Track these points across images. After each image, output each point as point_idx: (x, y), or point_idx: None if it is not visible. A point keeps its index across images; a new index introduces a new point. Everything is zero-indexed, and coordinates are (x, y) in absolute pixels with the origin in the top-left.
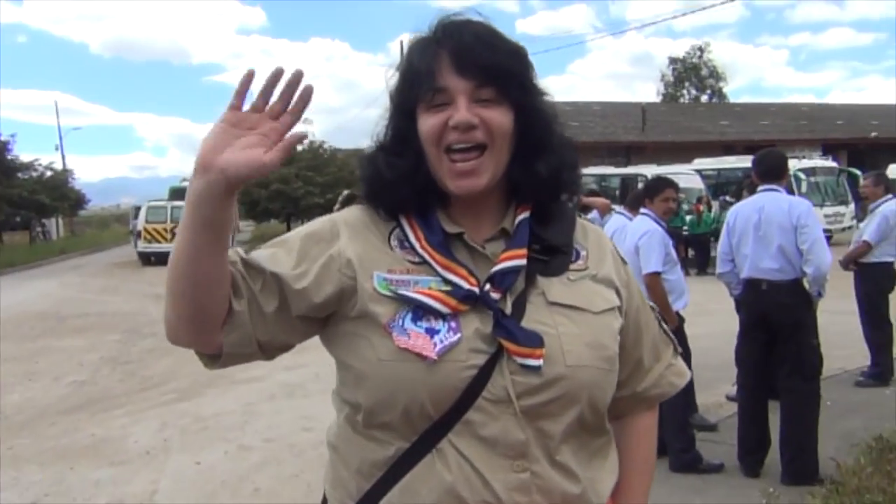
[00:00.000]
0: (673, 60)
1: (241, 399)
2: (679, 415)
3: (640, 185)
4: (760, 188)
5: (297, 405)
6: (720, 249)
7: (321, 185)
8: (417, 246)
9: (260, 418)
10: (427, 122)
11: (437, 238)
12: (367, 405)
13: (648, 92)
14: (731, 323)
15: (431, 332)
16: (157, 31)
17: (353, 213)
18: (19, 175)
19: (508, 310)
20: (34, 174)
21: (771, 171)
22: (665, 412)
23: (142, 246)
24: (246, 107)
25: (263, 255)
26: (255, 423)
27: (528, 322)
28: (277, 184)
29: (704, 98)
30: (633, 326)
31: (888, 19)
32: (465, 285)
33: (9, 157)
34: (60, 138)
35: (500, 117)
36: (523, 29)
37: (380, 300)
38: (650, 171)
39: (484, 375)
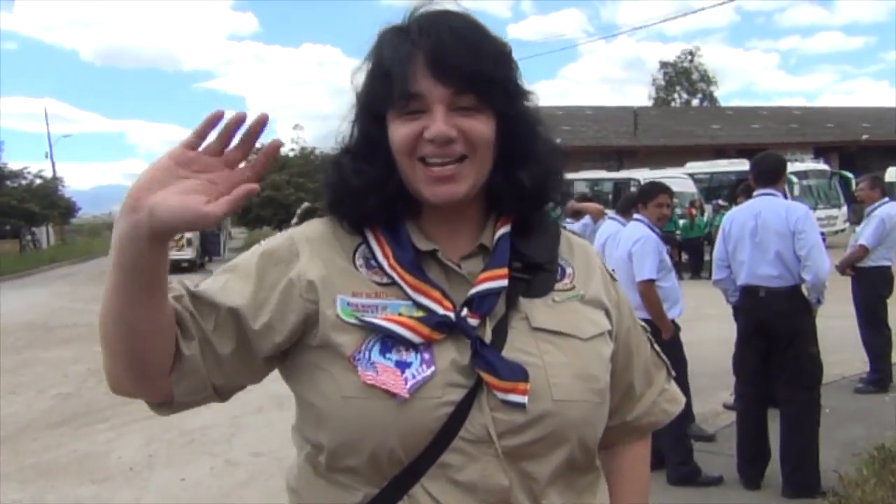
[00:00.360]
0: (664, 65)
1: (228, 411)
2: (676, 425)
3: (634, 190)
4: (756, 192)
5: (287, 417)
6: (716, 255)
7: (312, 192)
8: (385, 265)
9: (247, 431)
10: (399, 132)
11: (407, 256)
12: (329, 447)
13: (640, 96)
14: (727, 328)
15: (402, 366)
16: (149, 38)
17: (314, 227)
18: (8, 183)
19: (488, 337)
20: (23, 182)
21: (767, 174)
22: None
23: None
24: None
25: (216, 287)
26: (242, 437)
27: (510, 351)
28: (269, 190)
29: (696, 102)
30: (624, 350)
31: (877, 23)
32: (440, 310)
33: None
34: (50, 146)
35: (481, 126)
36: (515, 34)
37: (344, 328)
38: (643, 175)
39: (461, 413)
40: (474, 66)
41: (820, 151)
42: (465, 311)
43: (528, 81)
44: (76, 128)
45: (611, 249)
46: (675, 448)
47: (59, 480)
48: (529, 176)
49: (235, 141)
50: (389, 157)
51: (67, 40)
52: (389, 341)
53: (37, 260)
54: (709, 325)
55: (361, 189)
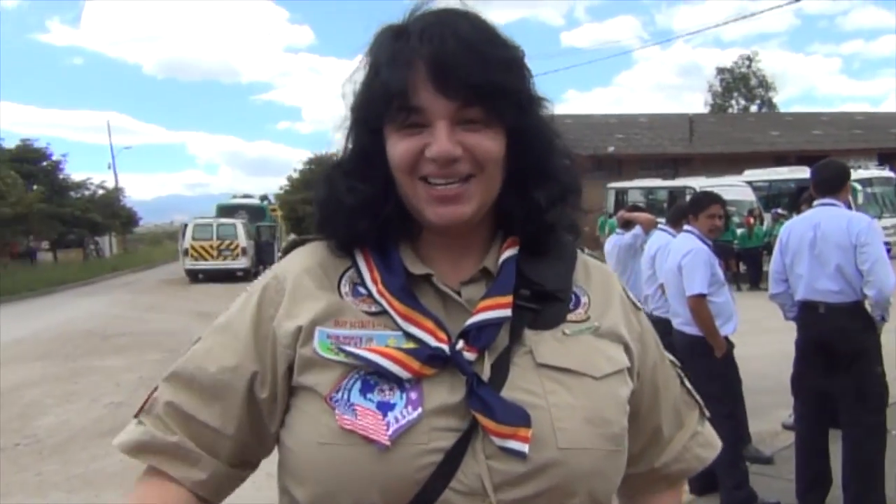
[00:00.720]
0: (721, 70)
1: None
2: (730, 446)
3: (689, 198)
4: (816, 202)
5: None
6: (772, 268)
7: None
8: (374, 290)
9: None
10: (398, 148)
11: (396, 281)
12: (305, 500)
13: (696, 103)
14: (787, 342)
15: (384, 408)
16: (208, 51)
17: (297, 258)
18: (72, 194)
19: (486, 374)
20: (86, 193)
21: (828, 182)
22: None
23: (188, 263)
24: None
25: (211, 370)
26: None
27: (510, 391)
28: None
29: (754, 108)
30: (650, 388)
31: None
32: (433, 342)
33: (60, 177)
34: (113, 157)
35: (489, 143)
36: (569, 41)
37: (323, 364)
38: (699, 183)
39: (453, 460)
40: (482, 76)
41: (884, 158)
42: (460, 344)
43: (582, 90)
44: (138, 139)
45: (660, 262)
46: (729, 471)
47: (105, 490)
48: (546, 195)
49: None
50: (386, 173)
51: (131, 54)
52: (371, 379)
53: (99, 268)
54: (768, 339)
55: (354, 208)
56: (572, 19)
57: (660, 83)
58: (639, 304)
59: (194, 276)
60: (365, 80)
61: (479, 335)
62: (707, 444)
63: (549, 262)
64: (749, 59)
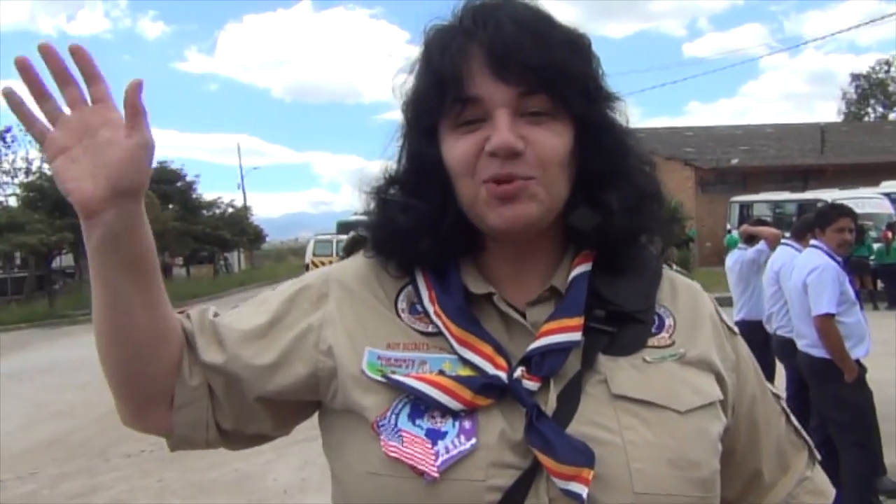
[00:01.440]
0: (856, 77)
1: None
2: (862, 478)
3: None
4: None
5: None
6: None
7: None
8: (431, 311)
9: None
10: (455, 148)
11: (452, 301)
12: None
13: (829, 112)
14: None
15: (434, 436)
16: (333, 74)
17: (355, 265)
18: (203, 212)
19: (551, 406)
20: (217, 211)
21: None
22: (845, 474)
23: None
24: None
25: (231, 317)
26: None
27: (580, 424)
28: None
29: (893, 116)
30: (747, 425)
31: None
32: (490, 369)
33: (193, 196)
34: (242, 177)
35: (554, 139)
36: (691, 52)
37: (369, 387)
38: (832, 195)
39: (512, 502)
40: (544, 57)
41: None
42: (518, 371)
43: (705, 101)
44: (266, 160)
45: (784, 278)
46: None
47: (218, 499)
48: (619, 197)
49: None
50: (444, 184)
51: (261, 79)
52: (422, 404)
53: (228, 283)
54: None
55: (411, 229)
56: (694, 30)
57: (788, 92)
58: (735, 328)
59: None
60: (416, 77)
61: (541, 362)
62: (817, 491)
63: (628, 278)
64: (888, 63)
